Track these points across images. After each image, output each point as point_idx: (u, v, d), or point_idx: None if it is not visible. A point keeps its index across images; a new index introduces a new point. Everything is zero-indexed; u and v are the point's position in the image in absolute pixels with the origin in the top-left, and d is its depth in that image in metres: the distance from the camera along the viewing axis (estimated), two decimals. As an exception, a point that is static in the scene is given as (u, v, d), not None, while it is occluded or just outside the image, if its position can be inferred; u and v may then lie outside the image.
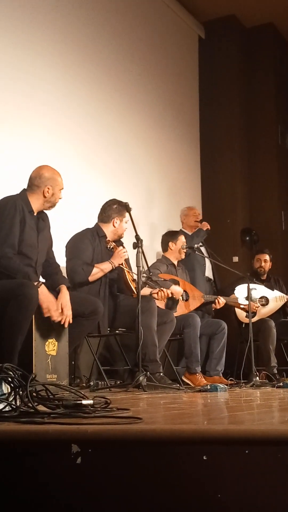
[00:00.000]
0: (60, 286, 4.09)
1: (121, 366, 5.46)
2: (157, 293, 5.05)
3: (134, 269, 4.59)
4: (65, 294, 4.04)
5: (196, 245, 6.19)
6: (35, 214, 4.16)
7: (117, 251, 4.86)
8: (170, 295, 5.22)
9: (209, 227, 6.82)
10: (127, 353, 5.24)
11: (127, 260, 5.03)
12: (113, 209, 5.04)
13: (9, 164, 5.02)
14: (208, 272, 6.82)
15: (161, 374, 4.64)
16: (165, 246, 6.04)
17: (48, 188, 4.18)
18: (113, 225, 5.01)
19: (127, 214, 4.92)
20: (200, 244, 6.47)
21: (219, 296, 6.01)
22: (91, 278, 4.72)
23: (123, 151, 6.69)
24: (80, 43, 6.21)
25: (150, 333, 4.60)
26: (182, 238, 6.01)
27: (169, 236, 6.06)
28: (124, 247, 4.95)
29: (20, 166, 4.82)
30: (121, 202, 4.97)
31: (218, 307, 5.97)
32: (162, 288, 5.09)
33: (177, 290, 5.47)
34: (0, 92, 5.08)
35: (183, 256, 6.01)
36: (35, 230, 4.13)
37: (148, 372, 4.29)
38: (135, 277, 4.54)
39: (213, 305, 5.99)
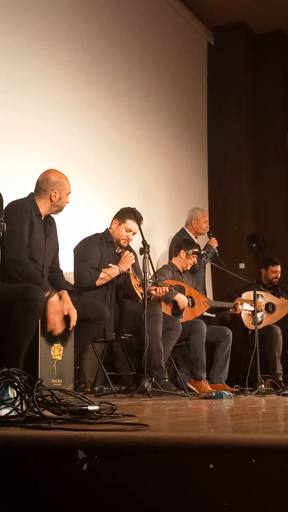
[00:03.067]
0: (61, 291, 4.07)
1: (126, 371, 5.45)
2: (155, 289, 5.01)
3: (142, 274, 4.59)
4: (67, 299, 4.02)
5: (203, 251, 6.16)
6: (42, 218, 4.16)
7: (124, 255, 4.87)
8: (167, 290, 5.16)
9: (217, 243, 6.75)
10: (132, 359, 5.24)
11: (134, 266, 5.02)
12: (118, 212, 5.05)
13: (17, 170, 5.03)
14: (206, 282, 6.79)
15: (166, 380, 4.63)
16: (176, 251, 6.01)
17: (55, 192, 4.17)
18: (111, 226, 5.02)
19: (129, 222, 4.92)
20: (207, 251, 6.42)
21: (238, 301, 6.00)
22: (98, 283, 4.72)
23: (130, 156, 6.70)
24: (88, 50, 6.22)
25: (155, 339, 4.60)
26: (193, 251, 5.99)
27: (184, 244, 6.02)
28: (131, 252, 4.95)
29: (27, 171, 4.82)
30: (130, 210, 4.95)
31: (237, 312, 5.97)
32: (158, 284, 5.06)
33: (182, 299, 5.48)
34: (9, 101, 5.10)
35: (188, 268, 6.00)
36: (43, 234, 4.13)
37: (153, 378, 4.28)
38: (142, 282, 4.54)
39: (232, 310, 5.99)
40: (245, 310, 6.19)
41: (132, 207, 4.97)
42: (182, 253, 5.93)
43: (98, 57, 6.36)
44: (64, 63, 5.85)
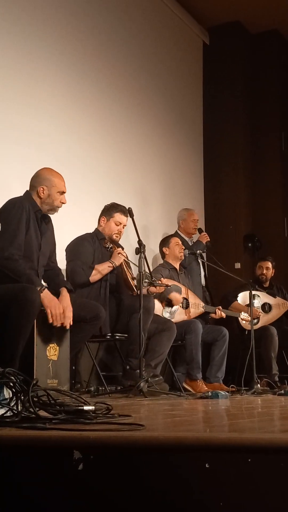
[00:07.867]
0: (61, 289, 4.08)
1: (120, 371, 5.45)
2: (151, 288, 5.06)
3: (136, 273, 4.59)
4: (66, 296, 4.03)
5: (198, 251, 6.18)
6: (39, 216, 4.15)
7: (115, 251, 4.88)
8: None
9: (208, 239, 6.72)
10: (122, 349, 5.22)
11: (127, 261, 5.03)
12: (103, 210, 5.08)
13: (13, 170, 5.02)
14: (203, 281, 6.76)
15: (160, 377, 4.65)
16: (161, 253, 6.11)
17: (43, 188, 4.13)
18: (100, 224, 5.03)
19: (117, 215, 4.94)
20: (203, 250, 6.43)
21: (218, 307, 5.99)
22: (92, 279, 4.73)
23: (125, 156, 6.70)
24: (84, 50, 6.21)
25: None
26: (174, 240, 6.03)
27: (162, 243, 6.15)
28: (119, 247, 4.95)
29: (23, 172, 4.80)
30: (115, 204, 5.00)
31: (216, 317, 5.97)
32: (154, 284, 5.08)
33: (177, 297, 5.48)
34: (5, 102, 5.09)
35: (181, 257, 6.00)
36: (38, 233, 4.12)
37: (128, 367, 4.30)
38: (134, 275, 4.55)
39: (212, 314, 5.99)
40: (243, 319, 6.21)
41: (114, 202, 5.04)
42: (165, 250, 6.04)
43: (94, 57, 6.36)
44: (61, 62, 5.85)
